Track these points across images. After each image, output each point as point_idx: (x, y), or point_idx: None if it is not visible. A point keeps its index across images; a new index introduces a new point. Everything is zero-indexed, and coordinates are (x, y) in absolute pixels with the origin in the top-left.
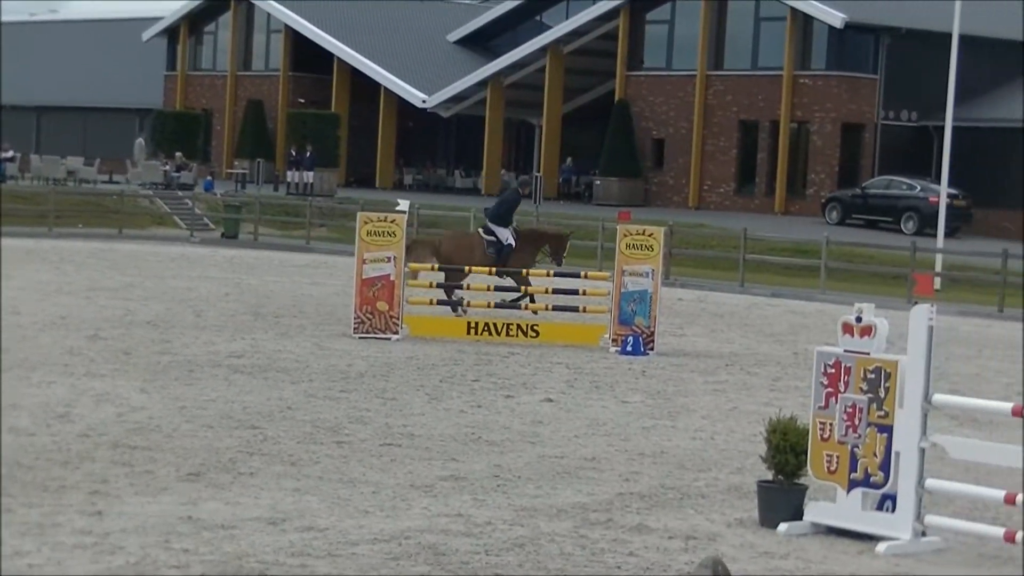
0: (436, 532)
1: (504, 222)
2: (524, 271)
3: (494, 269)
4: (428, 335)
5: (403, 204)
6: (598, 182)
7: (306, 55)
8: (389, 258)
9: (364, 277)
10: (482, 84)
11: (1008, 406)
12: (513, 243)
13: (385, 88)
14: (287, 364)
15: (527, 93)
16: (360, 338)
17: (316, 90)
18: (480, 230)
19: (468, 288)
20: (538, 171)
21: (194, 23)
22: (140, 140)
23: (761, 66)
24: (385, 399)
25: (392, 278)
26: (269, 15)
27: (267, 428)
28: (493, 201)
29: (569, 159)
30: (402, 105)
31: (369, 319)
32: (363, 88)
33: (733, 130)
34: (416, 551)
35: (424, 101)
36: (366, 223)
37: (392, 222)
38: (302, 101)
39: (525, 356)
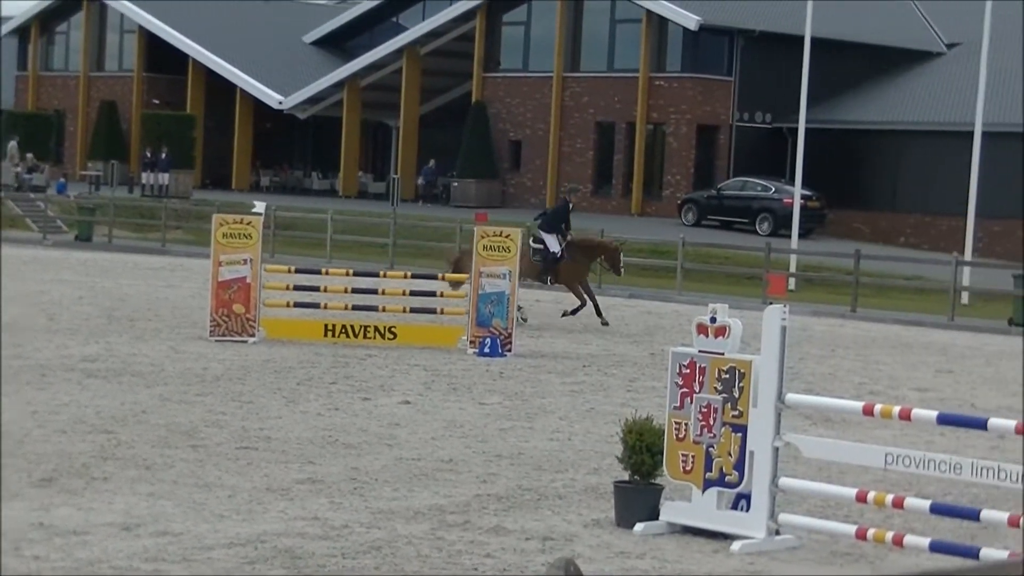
0: (292, 535)
1: (552, 230)
2: (578, 283)
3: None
4: (285, 337)
5: (259, 206)
6: (455, 184)
7: (160, 55)
8: (245, 260)
9: (220, 280)
10: (339, 85)
11: (859, 405)
12: (559, 251)
13: (241, 89)
14: (142, 368)
15: (384, 95)
16: (216, 341)
17: (171, 91)
18: (531, 239)
19: (325, 290)
20: (395, 173)
21: (45, 23)
22: (14, 142)
23: (617, 68)
24: (241, 402)
25: (248, 280)
26: (122, 15)
27: (121, 432)
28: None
29: (433, 161)
30: (258, 106)
31: (225, 322)
32: (219, 89)
33: (590, 132)
34: (272, 555)
35: (280, 102)
36: (222, 225)
37: (248, 224)
38: (156, 102)
39: (383, 358)
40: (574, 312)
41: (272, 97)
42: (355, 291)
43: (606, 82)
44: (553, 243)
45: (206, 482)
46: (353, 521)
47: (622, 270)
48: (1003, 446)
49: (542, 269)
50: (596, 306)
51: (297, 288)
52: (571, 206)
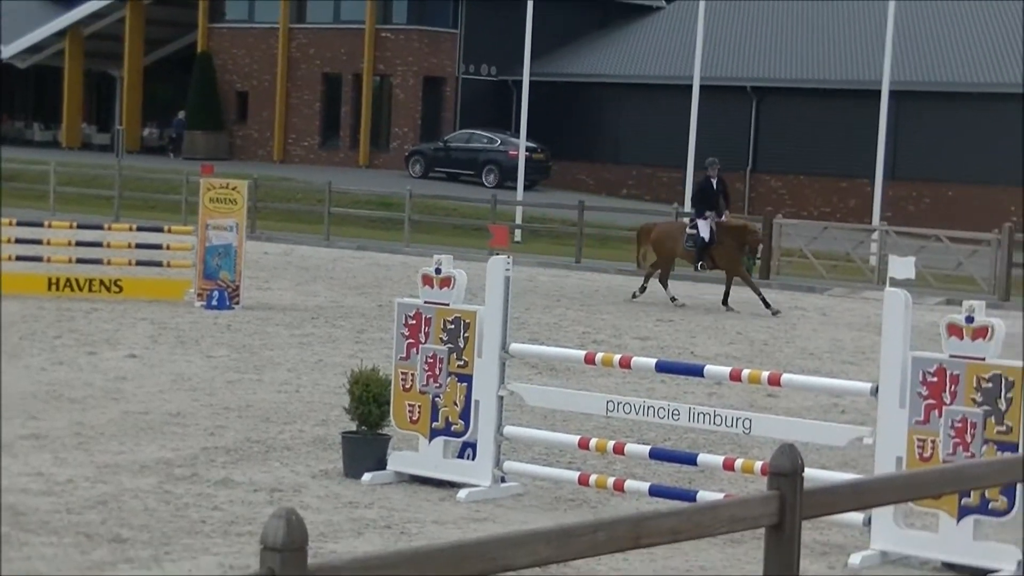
0: (16, 492)
1: (699, 214)
2: (739, 268)
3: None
4: (8, 292)
5: None
6: (182, 135)
7: None
8: None
9: None
10: (60, 34)
11: (582, 354)
12: (706, 237)
13: None
14: None
15: (107, 44)
16: None
17: None
18: (688, 223)
19: (48, 243)
20: (120, 124)
21: None
22: None
23: (343, 19)
24: None
25: None
26: None
27: None
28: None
29: (182, 112)
30: None
31: None
32: None
33: (317, 83)
34: None
35: None
36: None
37: None
38: None
39: (108, 312)
40: (761, 299)
41: None
42: (79, 244)
43: (332, 33)
44: (704, 228)
45: None
46: (78, 476)
47: (757, 259)
48: (720, 392)
49: (695, 256)
50: (759, 293)
51: (19, 241)
52: (714, 182)
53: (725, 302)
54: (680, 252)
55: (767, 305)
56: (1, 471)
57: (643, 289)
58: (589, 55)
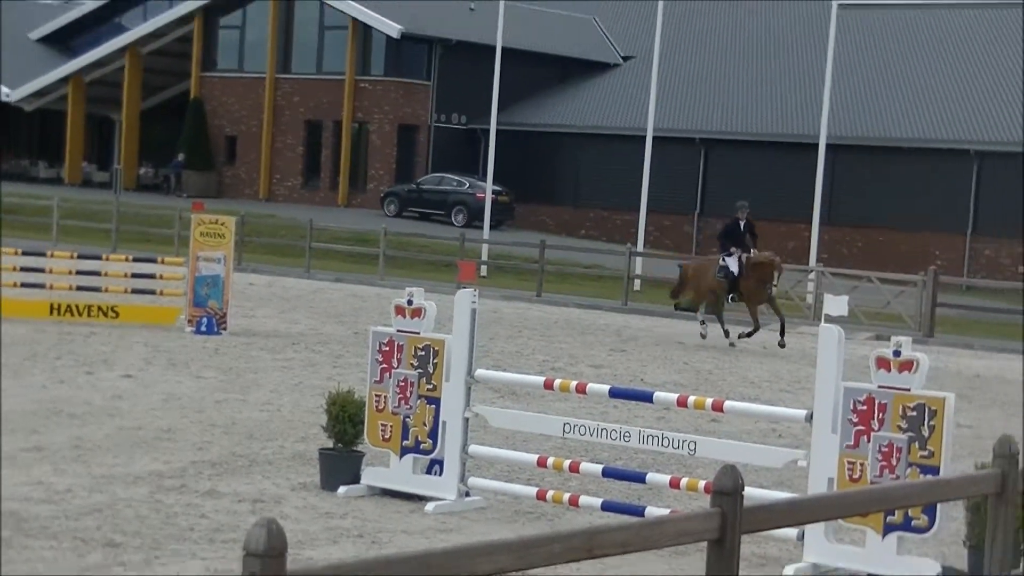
0: (18, 500)
1: (724, 250)
2: (755, 305)
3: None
4: (12, 316)
5: None
6: (168, 174)
7: None
8: None
9: None
10: (64, 80)
11: (541, 380)
12: (735, 271)
13: None
14: None
15: (108, 90)
16: None
17: None
18: (720, 258)
19: (51, 272)
20: (118, 163)
21: None
22: None
23: (326, 70)
24: None
25: None
26: None
27: None
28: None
29: (181, 155)
30: None
31: None
32: None
33: (300, 129)
34: None
35: (7, 95)
36: None
37: None
38: None
39: (106, 335)
40: (748, 335)
41: None
42: (79, 272)
43: (315, 83)
44: (732, 263)
45: None
46: (76, 486)
47: (774, 287)
48: (668, 416)
49: (726, 287)
50: (782, 326)
51: (23, 269)
52: (742, 224)
53: (751, 334)
54: (713, 283)
55: (782, 334)
56: (1, 481)
57: (726, 333)
58: (551, 107)
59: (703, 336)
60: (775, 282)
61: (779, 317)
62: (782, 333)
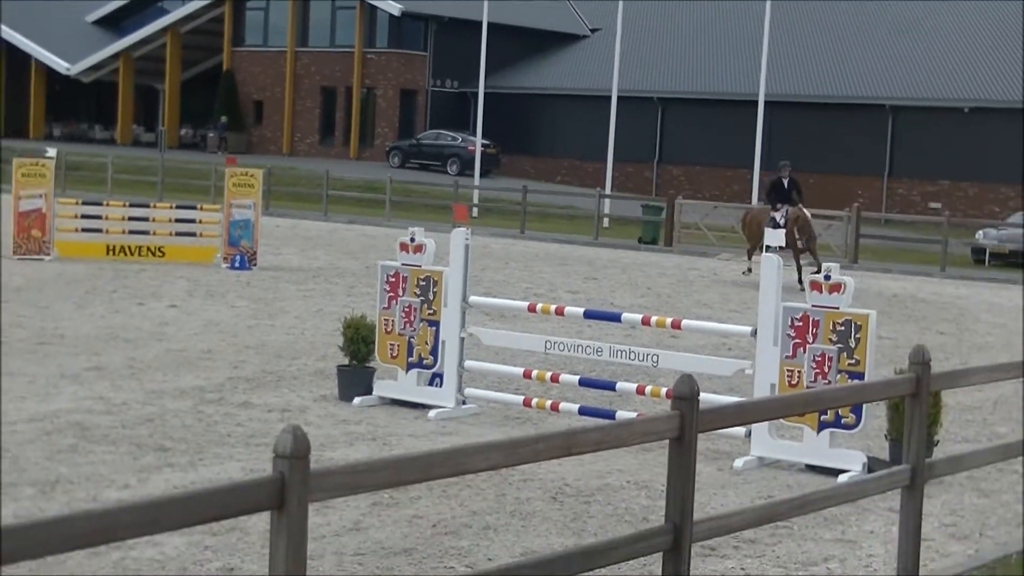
0: (82, 412)
1: (771, 206)
2: (796, 255)
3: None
4: (74, 256)
5: (51, 151)
6: (211, 135)
7: None
8: (41, 194)
9: (20, 210)
10: (115, 56)
11: (525, 304)
12: (781, 223)
13: (35, 59)
14: None
15: (153, 64)
16: (18, 259)
17: None
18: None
19: (107, 218)
20: (162, 126)
21: None
22: None
23: (338, 44)
24: (39, 308)
25: (43, 211)
26: None
27: None
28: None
29: (224, 118)
30: (50, 72)
31: (25, 243)
32: (17, 58)
33: (317, 94)
34: (65, 427)
35: (68, 69)
36: (20, 167)
37: (42, 166)
38: None
39: (154, 272)
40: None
41: (61, 65)
42: (131, 219)
43: (329, 55)
44: (779, 216)
45: (9, 371)
46: (131, 400)
47: (804, 239)
48: (634, 334)
49: (768, 236)
50: (798, 271)
51: (84, 216)
52: (785, 181)
53: (799, 280)
54: (758, 231)
55: (799, 281)
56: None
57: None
58: (531, 73)
59: (746, 272)
60: (801, 235)
61: (815, 261)
62: (799, 280)
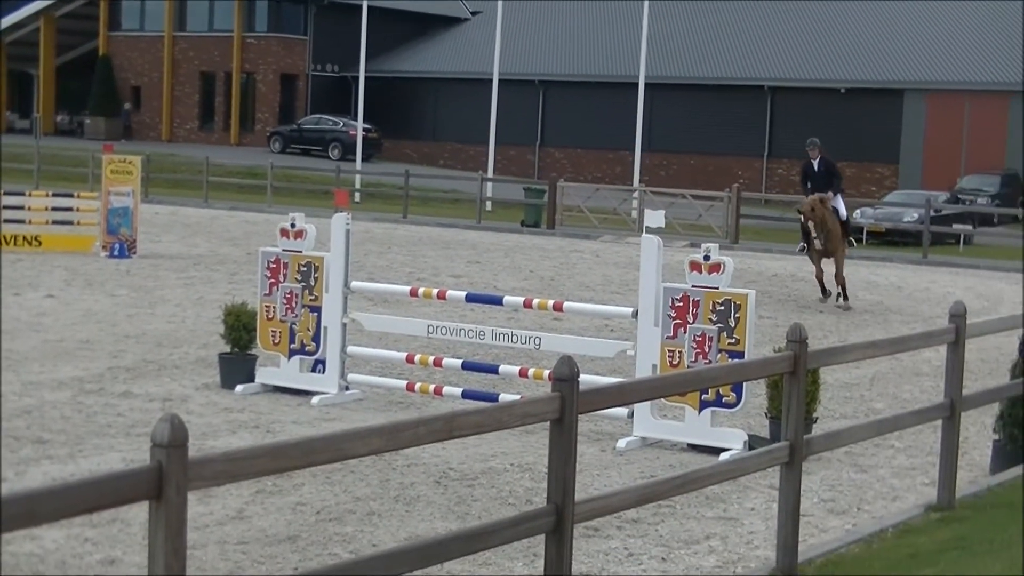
0: None
1: (805, 192)
2: (815, 256)
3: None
4: None
5: None
6: (88, 121)
7: None
8: None
9: None
10: None
11: (407, 289)
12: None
13: None
14: None
15: (27, 49)
16: None
17: None
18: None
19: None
20: (37, 112)
21: None
22: None
23: (216, 28)
24: None
25: None
26: None
27: None
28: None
29: (128, 104)
30: None
31: None
32: None
33: (196, 79)
34: None
35: None
36: None
37: None
38: None
39: (31, 261)
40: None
41: None
42: (6, 207)
43: (208, 40)
44: (838, 204)
45: None
46: (7, 391)
47: (817, 240)
48: (517, 317)
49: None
50: (820, 282)
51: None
52: (815, 163)
53: (823, 291)
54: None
55: (823, 292)
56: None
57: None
58: (412, 56)
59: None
60: (818, 231)
61: (839, 279)
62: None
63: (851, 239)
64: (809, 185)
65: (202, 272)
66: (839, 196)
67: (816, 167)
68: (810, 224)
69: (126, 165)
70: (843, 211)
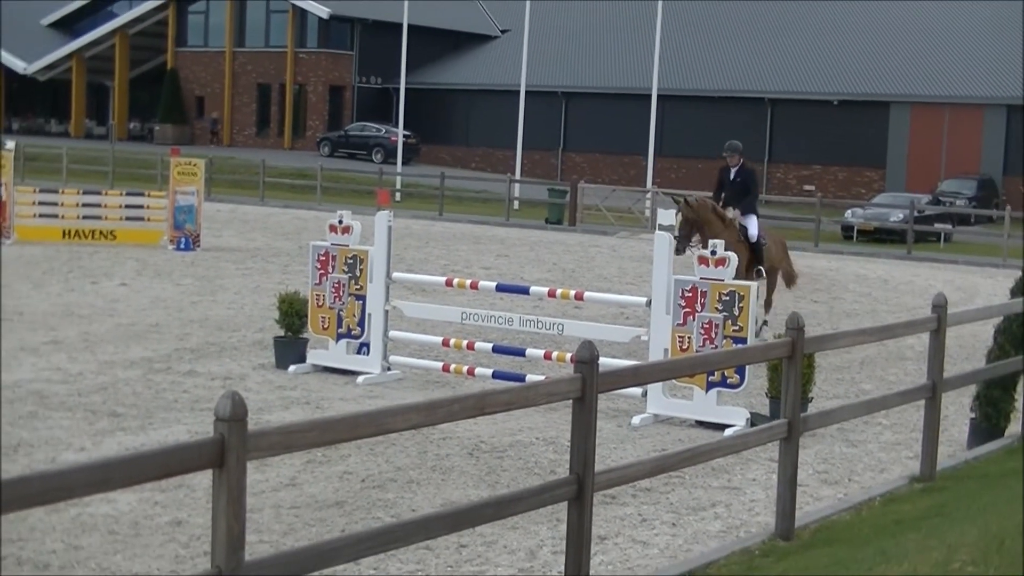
0: (41, 381)
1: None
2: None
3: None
4: (33, 239)
5: (10, 144)
6: (157, 128)
7: None
8: (1, 184)
9: None
10: (69, 56)
11: (443, 279)
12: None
13: None
14: None
15: (103, 63)
16: None
17: None
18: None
19: (63, 205)
20: (112, 120)
21: None
22: None
23: (272, 44)
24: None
25: (3, 198)
26: None
27: None
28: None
29: (215, 113)
30: (8, 72)
31: None
32: None
33: (253, 90)
34: (25, 396)
35: (25, 68)
36: None
37: (2, 157)
38: None
39: (106, 253)
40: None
41: (18, 64)
42: (84, 205)
43: (264, 55)
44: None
45: None
46: (86, 370)
47: (682, 244)
48: (541, 305)
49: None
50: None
51: (41, 203)
52: (732, 171)
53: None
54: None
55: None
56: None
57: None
58: (447, 69)
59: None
60: (685, 227)
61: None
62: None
63: (760, 268)
64: (723, 195)
65: (258, 264)
66: (751, 216)
67: (732, 175)
68: (678, 218)
69: (191, 167)
70: (753, 231)
